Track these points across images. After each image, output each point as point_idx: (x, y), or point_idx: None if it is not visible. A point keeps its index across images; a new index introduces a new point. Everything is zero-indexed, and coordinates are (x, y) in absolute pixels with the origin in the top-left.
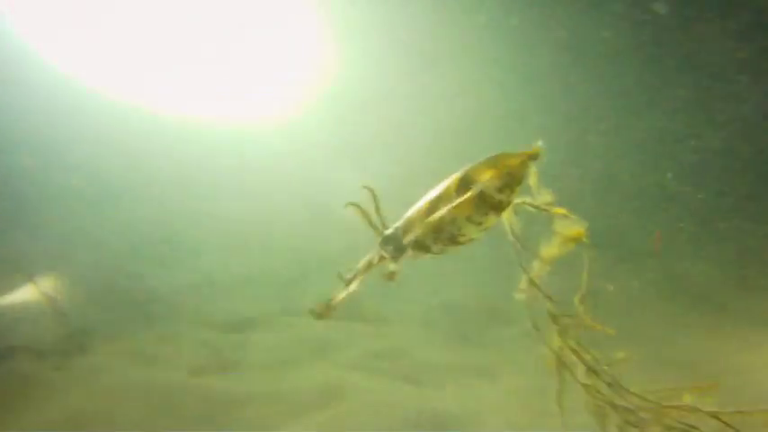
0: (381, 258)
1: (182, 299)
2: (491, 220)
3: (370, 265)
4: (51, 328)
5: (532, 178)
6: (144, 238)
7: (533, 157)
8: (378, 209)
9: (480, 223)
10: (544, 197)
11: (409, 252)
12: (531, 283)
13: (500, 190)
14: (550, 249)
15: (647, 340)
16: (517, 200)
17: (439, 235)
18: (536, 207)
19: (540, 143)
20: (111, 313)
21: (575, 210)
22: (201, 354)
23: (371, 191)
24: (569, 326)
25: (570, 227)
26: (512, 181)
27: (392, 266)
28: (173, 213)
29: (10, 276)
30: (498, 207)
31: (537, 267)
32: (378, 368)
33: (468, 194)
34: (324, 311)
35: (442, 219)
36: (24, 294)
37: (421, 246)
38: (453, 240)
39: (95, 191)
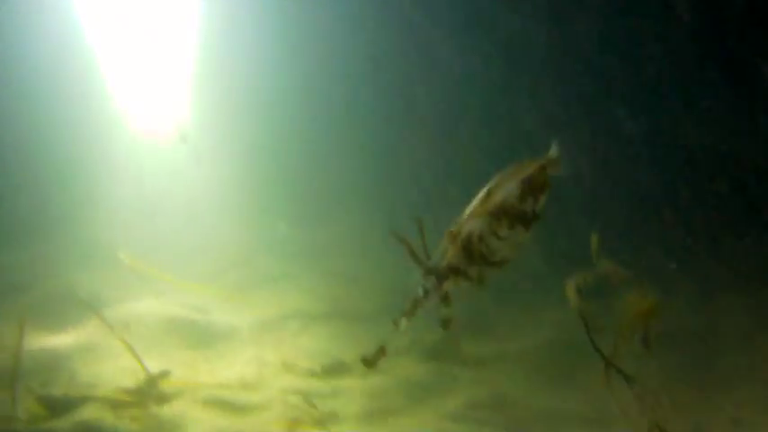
0: (426, 293)
1: None
2: (520, 234)
3: (417, 303)
4: None
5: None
6: None
7: (551, 163)
8: (423, 241)
9: (509, 238)
10: (604, 265)
11: (450, 281)
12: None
13: (522, 199)
14: (625, 326)
15: None
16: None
17: (471, 257)
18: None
19: (555, 150)
20: None
21: None
22: (292, 404)
23: (419, 221)
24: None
25: (641, 300)
26: (532, 189)
27: (445, 311)
28: None
29: None
30: (524, 218)
31: (616, 345)
32: (483, 419)
33: (489, 207)
34: (375, 359)
35: (469, 238)
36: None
37: (457, 271)
38: (487, 261)
39: None
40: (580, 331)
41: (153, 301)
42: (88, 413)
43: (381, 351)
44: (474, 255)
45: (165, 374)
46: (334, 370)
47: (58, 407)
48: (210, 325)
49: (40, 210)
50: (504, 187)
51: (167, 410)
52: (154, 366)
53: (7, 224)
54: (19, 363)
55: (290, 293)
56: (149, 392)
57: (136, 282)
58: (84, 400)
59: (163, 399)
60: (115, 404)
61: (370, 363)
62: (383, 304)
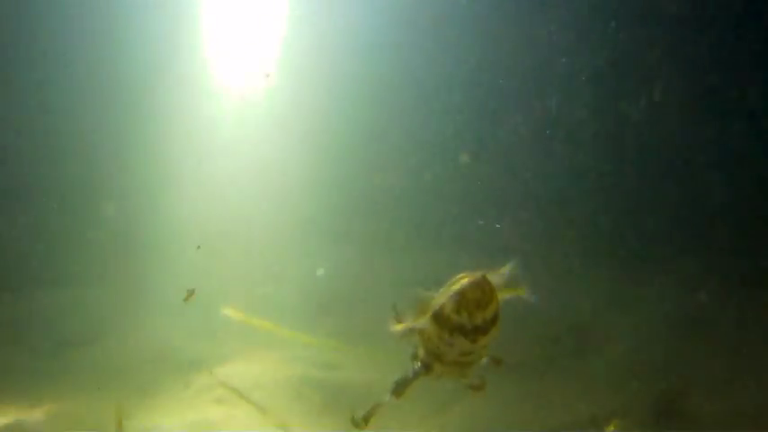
0: (417, 374)
1: None
2: (465, 344)
3: (407, 381)
4: None
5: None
6: None
7: (485, 280)
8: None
9: (453, 345)
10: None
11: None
12: None
13: (456, 312)
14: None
15: None
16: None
17: (434, 356)
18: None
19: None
20: None
21: None
22: None
23: (395, 307)
24: None
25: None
26: (465, 302)
27: (476, 380)
28: None
29: None
30: (464, 329)
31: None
32: None
33: (426, 318)
34: (363, 422)
35: (426, 341)
36: None
37: (432, 367)
38: (447, 362)
39: None
40: None
41: (266, 358)
42: None
43: (369, 415)
44: (435, 355)
45: None
46: None
47: None
48: (347, 385)
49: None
50: (441, 297)
51: None
52: None
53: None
54: None
55: None
56: None
57: (221, 330)
58: None
59: None
60: None
61: (357, 425)
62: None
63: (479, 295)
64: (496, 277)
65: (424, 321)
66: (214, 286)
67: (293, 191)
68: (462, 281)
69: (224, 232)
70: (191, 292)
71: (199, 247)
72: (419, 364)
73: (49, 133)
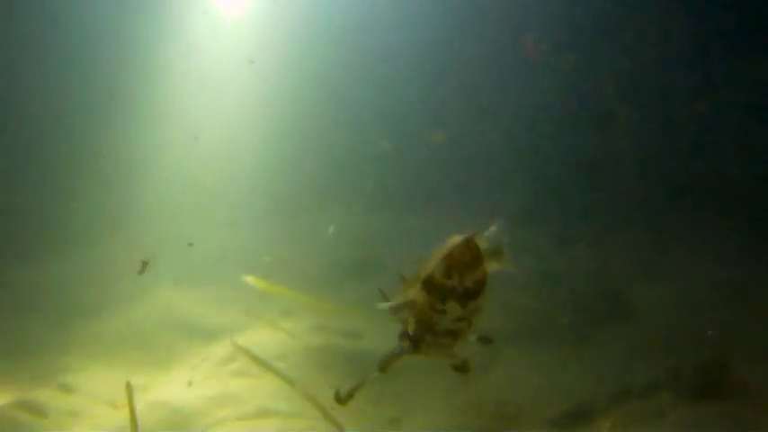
0: (403, 351)
1: None
2: (456, 308)
3: (394, 357)
4: None
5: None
6: None
7: (472, 239)
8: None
9: (445, 312)
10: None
11: (427, 346)
12: None
13: (447, 275)
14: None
15: None
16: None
17: (425, 328)
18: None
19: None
20: None
21: None
22: None
23: (382, 292)
24: None
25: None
26: (455, 264)
27: (459, 361)
28: None
29: None
30: (455, 293)
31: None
32: None
33: (418, 283)
34: (348, 396)
35: (415, 311)
36: None
37: (423, 341)
38: (438, 333)
39: None
40: None
41: (281, 327)
42: None
43: (352, 392)
44: (426, 326)
45: None
46: None
47: None
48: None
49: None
50: (431, 262)
51: None
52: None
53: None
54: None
55: None
56: None
57: (243, 298)
58: None
59: None
60: None
61: (340, 400)
62: None
63: (468, 256)
64: (482, 240)
65: (414, 292)
66: (234, 253)
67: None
68: (449, 245)
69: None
70: (145, 264)
71: (190, 244)
72: (407, 342)
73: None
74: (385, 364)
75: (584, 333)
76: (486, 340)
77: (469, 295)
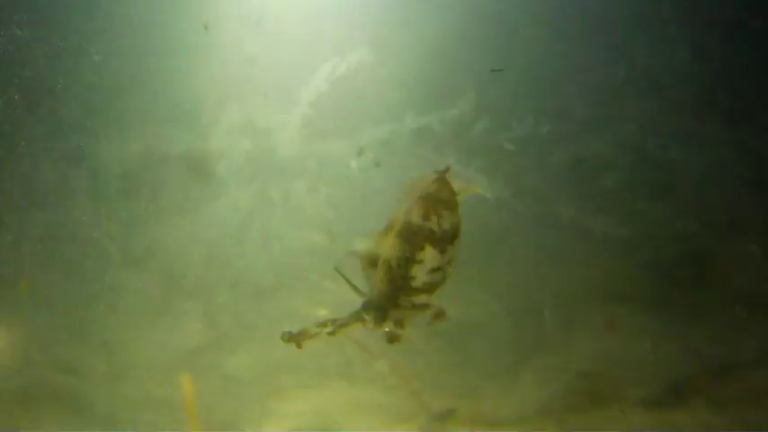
0: (361, 322)
1: None
2: (434, 255)
3: (348, 324)
4: None
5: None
6: None
7: (442, 174)
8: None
9: (423, 261)
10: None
11: (396, 313)
12: None
13: (425, 217)
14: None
15: None
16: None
17: (398, 286)
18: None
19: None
20: None
21: None
22: None
23: (339, 269)
24: None
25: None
26: (433, 204)
27: (390, 329)
28: None
29: None
30: (434, 237)
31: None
32: None
33: (393, 230)
34: (291, 339)
35: (388, 266)
36: None
37: (395, 303)
38: (415, 289)
39: None
40: None
41: None
42: None
43: (303, 335)
44: (400, 284)
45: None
46: None
47: None
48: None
49: None
50: (406, 206)
51: None
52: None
53: None
54: None
55: None
56: None
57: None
58: None
59: None
60: None
61: (289, 340)
62: None
63: (445, 193)
64: (454, 176)
65: (388, 243)
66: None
67: None
68: (421, 185)
69: None
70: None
71: None
72: (372, 312)
73: None
74: (339, 327)
75: (667, 300)
76: (438, 315)
77: (447, 239)
